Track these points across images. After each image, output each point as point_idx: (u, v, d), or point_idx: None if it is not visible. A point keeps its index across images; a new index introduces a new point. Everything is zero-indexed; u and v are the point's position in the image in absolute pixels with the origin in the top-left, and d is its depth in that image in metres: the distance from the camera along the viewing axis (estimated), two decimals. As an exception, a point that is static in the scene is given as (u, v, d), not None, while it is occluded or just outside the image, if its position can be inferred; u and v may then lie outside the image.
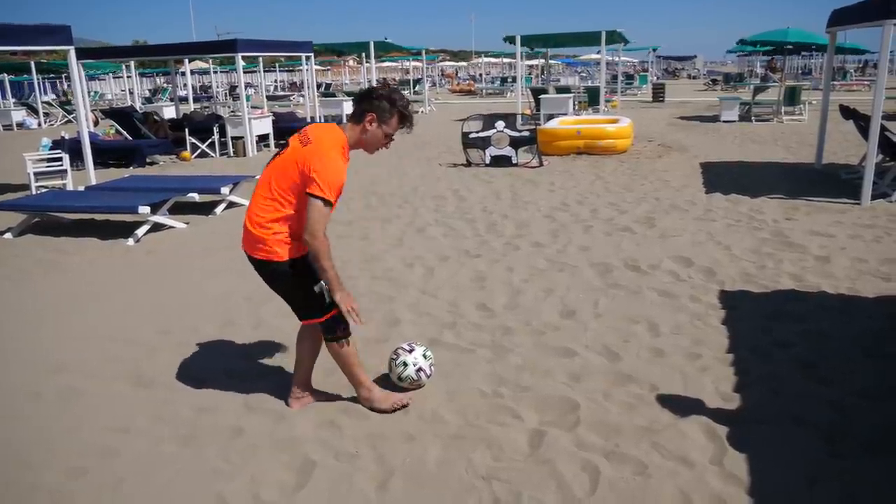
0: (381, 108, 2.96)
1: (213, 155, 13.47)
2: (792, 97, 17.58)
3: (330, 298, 3.04)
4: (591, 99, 19.38)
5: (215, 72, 37.65)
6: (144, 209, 6.89)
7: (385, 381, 3.58)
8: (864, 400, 3.30)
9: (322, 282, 3.06)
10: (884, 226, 6.62)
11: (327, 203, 2.84)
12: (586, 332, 4.25)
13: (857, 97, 22.43)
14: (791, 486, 2.66)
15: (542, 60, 30.76)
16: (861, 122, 8.40)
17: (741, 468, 2.78)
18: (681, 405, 3.30)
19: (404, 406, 3.31)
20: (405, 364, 3.44)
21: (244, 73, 26.02)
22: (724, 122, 17.30)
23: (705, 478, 2.74)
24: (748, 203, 7.76)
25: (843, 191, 8.22)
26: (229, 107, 22.26)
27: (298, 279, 3.07)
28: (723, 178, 9.43)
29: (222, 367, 3.90)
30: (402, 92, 3.04)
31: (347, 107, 19.18)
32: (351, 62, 52.02)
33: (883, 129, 7.65)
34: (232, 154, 13.48)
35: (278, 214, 2.99)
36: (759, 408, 3.27)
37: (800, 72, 41.52)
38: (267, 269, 3.10)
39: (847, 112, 8.93)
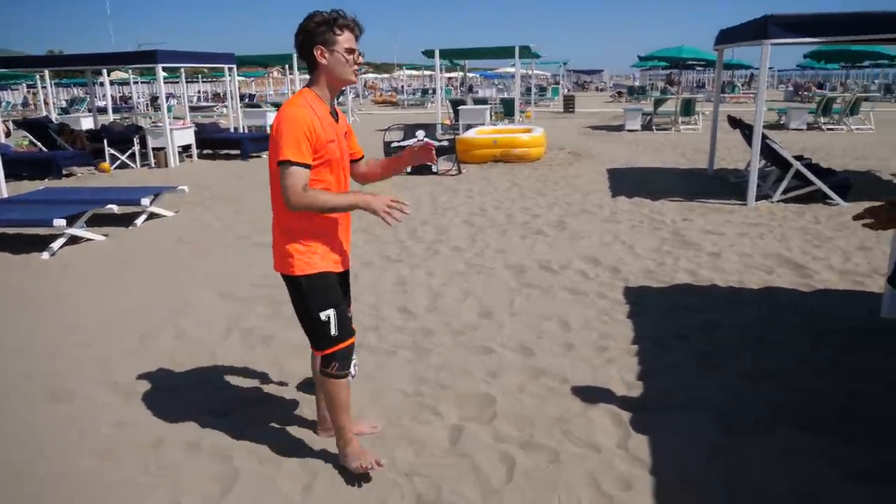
0: (320, 34, 2.57)
1: (134, 166, 13.04)
2: (687, 108, 18.72)
3: (337, 331, 2.74)
4: (507, 110, 19.92)
5: (136, 82, 36.26)
6: (60, 222, 6.62)
7: (311, 387, 3.63)
8: (751, 382, 3.61)
9: (331, 309, 2.72)
10: (766, 224, 7.21)
11: (292, 164, 2.47)
12: (502, 331, 4.43)
13: (745, 108, 24.02)
14: (689, 464, 2.88)
15: (461, 73, 31.24)
16: (746, 130, 9.06)
17: (644, 451, 2.98)
18: (590, 395, 3.51)
19: (369, 468, 2.86)
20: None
21: (166, 83, 25.03)
22: (629, 131, 18.22)
23: (613, 461, 2.92)
24: (650, 205, 8.24)
25: (732, 193, 8.87)
26: (150, 117, 21.50)
27: (306, 301, 2.72)
28: (627, 182, 9.94)
29: (143, 379, 3.84)
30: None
31: (271, 117, 18.86)
32: (275, 73, 51.06)
33: (764, 136, 8.31)
34: (154, 165, 13.08)
35: (282, 217, 2.69)
36: (660, 394, 3.52)
37: (695, 85, 44.05)
38: (286, 283, 2.77)
39: (734, 122, 9.62)
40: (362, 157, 2.96)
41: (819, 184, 8.11)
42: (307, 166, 2.52)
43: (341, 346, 2.76)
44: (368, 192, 2.60)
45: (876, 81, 41.75)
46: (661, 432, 3.13)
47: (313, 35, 2.58)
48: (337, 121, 2.72)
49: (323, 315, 2.71)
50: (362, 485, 2.82)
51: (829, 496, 2.64)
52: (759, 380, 3.64)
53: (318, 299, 2.70)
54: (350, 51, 2.62)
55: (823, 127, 18.14)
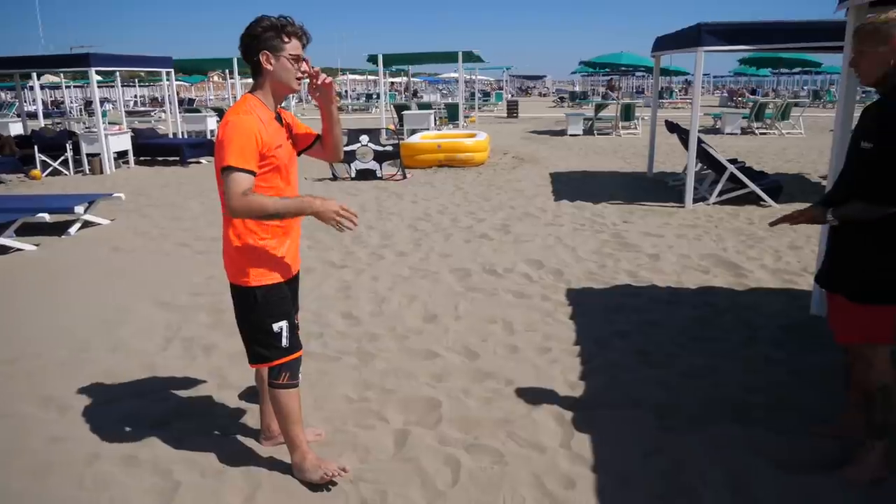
0: (266, 39, 2.53)
1: (67, 173, 12.64)
2: (627, 113, 19.25)
3: (288, 342, 2.73)
4: (451, 115, 20.06)
5: (68, 86, 34.97)
6: (-13, 232, 6.35)
7: (254, 395, 3.57)
8: (688, 379, 3.73)
9: (284, 321, 2.71)
10: (703, 225, 7.47)
11: (234, 170, 2.41)
12: (447, 334, 4.46)
13: (682, 113, 24.78)
14: (629, 460, 2.95)
15: (405, 78, 31.30)
16: (683, 135, 9.37)
17: (587, 449, 3.05)
18: (534, 396, 3.56)
19: (335, 476, 2.82)
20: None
21: (102, 87, 24.12)
22: (571, 135, 18.59)
23: (556, 461, 2.97)
24: (591, 209, 8.42)
25: (671, 196, 9.15)
26: (84, 123, 20.76)
27: (260, 312, 2.68)
28: (570, 186, 10.13)
29: (78, 393, 3.70)
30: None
31: (212, 122, 18.52)
32: (216, 78, 50.01)
33: (700, 141, 8.62)
34: (88, 171, 12.66)
35: (235, 225, 2.63)
36: (602, 392, 3.61)
37: (634, 91, 45.29)
38: (236, 294, 2.71)
39: (671, 126, 9.93)
40: (318, 135, 2.90)
41: (752, 186, 8.44)
42: (251, 173, 2.45)
43: (292, 357, 2.76)
44: (314, 196, 2.55)
45: (805, 87, 43.74)
46: (603, 430, 3.20)
47: (260, 40, 2.53)
48: (282, 124, 2.70)
49: (276, 326, 2.69)
50: (307, 493, 2.79)
51: (762, 486, 2.74)
52: (696, 376, 3.77)
53: (271, 310, 2.67)
54: (296, 58, 2.58)
55: (756, 131, 18.91)
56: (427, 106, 21.94)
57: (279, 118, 2.69)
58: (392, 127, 17.98)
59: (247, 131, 2.46)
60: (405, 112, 17.81)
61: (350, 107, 37.55)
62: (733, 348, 4.14)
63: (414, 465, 2.96)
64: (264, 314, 2.67)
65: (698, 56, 8.04)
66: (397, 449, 3.10)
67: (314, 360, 4.05)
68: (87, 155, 12.75)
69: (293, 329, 2.77)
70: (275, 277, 2.67)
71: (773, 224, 2.95)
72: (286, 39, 2.55)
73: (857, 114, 3.37)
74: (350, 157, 11.18)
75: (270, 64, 2.56)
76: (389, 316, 4.82)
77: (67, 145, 12.72)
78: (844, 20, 4.34)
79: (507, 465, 2.94)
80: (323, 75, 2.66)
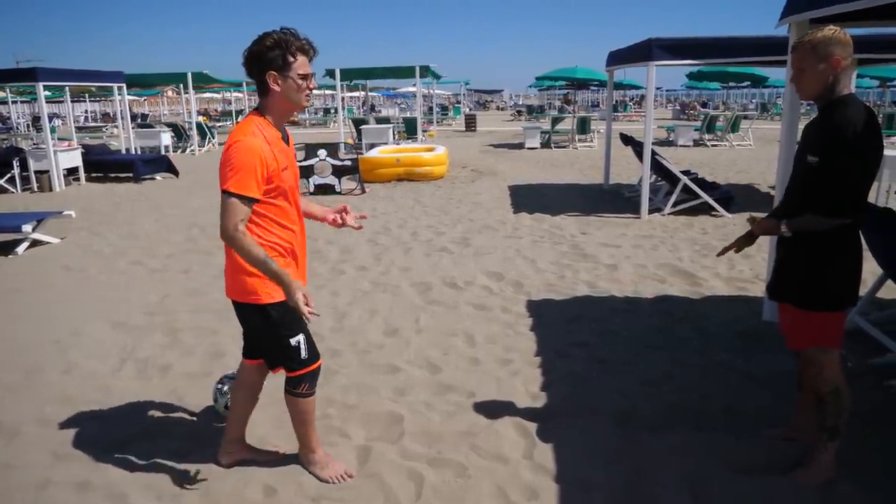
0: (273, 59, 2.44)
1: (14, 191, 12.28)
2: (583, 126, 19.59)
3: (307, 354, 2.76)
4: (409, 129, 20.13)
5: (14, 101, 33.93)
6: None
7: (211, 415, 3.50)
8: (647, 386, 3.80)
9: (301, 334, 2.72)
10: (659, 235, 7.62)
11: (233, 195, 2.38)
12: (409, 348, 4.45)
13: (636, 126, 25.32)
14: (589, 469, 2.98)
15: (363, 92, 31.32)
16: (637, 147, 9.58)
17: (549, 459, 3.07)
18: (496, 408, 3.57)
19: (349, 477, 2.94)
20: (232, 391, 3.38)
21: (50, 102, 23.25)
22: (529, 148, 18.81)
23: (519, 472, 2.98)
24: (550, 220, 8.52)
25: (627, 207, 9.32)
26: (32, 139, 20.15)
27: (278, 328, 2.68)
28: (528, 199, 10.24)
29: (28, 417, 3.57)
30: (272, 33, 2.48)
31: (166, 138, 18.16)
32: (169, 92, 49.19)
33: (654, 153, 8.82)
34: (36, 189, 12.29)
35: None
36: (562, 402, 3.64)
37: (590, 104, 46.15)
38: (245, 312, 2.72)
39: (626, 139, 10.14)
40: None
41: (705, 197, 8.67)
42: (250, 200, 2.42)
43: (311, 367, 2.80)
44: (299, 286, 2.44)
45: (754, 101, 45.20)
46: (565, 440, 3.23)
47: (265, 59, 2.44)
48: (288, 144, 2.67)
49: (293, 340, 2.71)
50: (268, 513, 2.75)
51: (720, 489, 2.80)
52: (654, 384, 3.83)
53: (288, 325, 2.68)
54: (304, 76, 2.50)
55: (708, 143, 19.43)
56: (385, 120, 21.98)
57: (286, 138, 2.65)
58: (350, 141, 17.93)
59: (252, 155, 2.40)
60: (363, 126, 17.83)
61: (308, 121, 37.37)
62: (690, 355, 4.23)
63: (377, 480, 2.94)
64: (282, 330, 2.68)
65: (650, 70, 8.25)
66: (360, 465, 3.07)
67: (275, 377, 3.98)
68: (36, 172, 12.41)
69: (310, 339, 2.79)
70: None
71: (720, 254, 3.04)
72: (293, 58, 2.46)
73: (801, 125, 3.50)
74: (308, 171, 11.11)
75: (278, 84, 2.48)
76: (350, 331, 4.79)
77: (14, 162, 12.38)
78: (787, 35, 4.51)
79: (471, 478, 2.94)
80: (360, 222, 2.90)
